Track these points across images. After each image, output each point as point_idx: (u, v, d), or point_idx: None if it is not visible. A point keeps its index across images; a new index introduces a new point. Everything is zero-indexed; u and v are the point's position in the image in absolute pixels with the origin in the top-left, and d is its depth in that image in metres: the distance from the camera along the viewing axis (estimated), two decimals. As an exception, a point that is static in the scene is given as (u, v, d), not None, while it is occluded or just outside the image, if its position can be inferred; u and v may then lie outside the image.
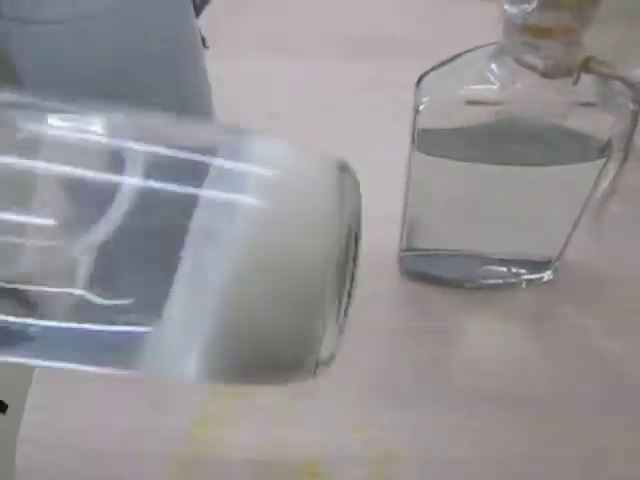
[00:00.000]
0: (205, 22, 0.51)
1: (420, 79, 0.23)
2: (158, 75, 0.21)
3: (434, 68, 0.23)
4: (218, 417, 0.27)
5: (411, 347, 0.28)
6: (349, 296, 0.17)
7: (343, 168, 0.16)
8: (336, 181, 0.16)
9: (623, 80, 0.21)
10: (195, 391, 0.27)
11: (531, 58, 0.20)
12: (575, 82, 0.20)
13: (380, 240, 0.29)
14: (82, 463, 0.26)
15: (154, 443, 0.26)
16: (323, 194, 0.15)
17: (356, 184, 0.17)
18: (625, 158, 0.26)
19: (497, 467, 0.25)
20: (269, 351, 0.15)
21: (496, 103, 0.21)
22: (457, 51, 0.23)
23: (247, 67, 0.41)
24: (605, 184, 0.27)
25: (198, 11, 0.50)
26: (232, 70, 0.36)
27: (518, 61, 0.20)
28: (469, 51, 0.22)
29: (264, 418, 0.26)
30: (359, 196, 0.17)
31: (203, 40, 0.25)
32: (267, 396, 0.27)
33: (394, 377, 0.27)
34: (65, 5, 0.19)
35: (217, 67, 0.35)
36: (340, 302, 0.16)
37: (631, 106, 0.22)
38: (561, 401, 0.26)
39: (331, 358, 0.16)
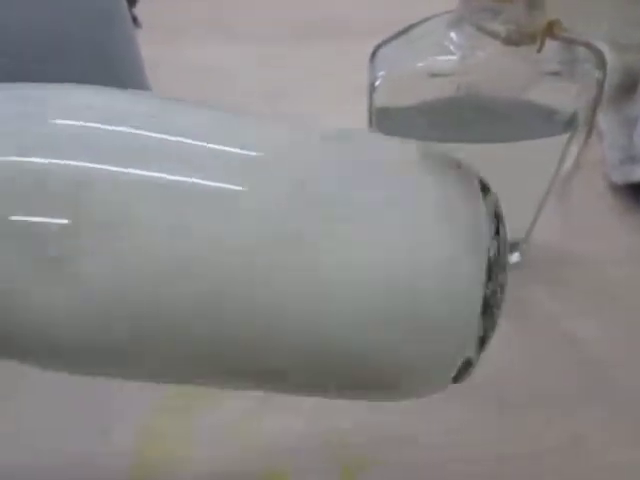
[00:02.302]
0: (146, 3, 0.48)
1: (374, 52, 0.21)
2: (84, 51, 0.19)
3: (389, 40, 0.21)
4: (169, 432, 0.25)
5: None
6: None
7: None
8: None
9: (588, 46, 0.20)
10: (141, 408, 0.25)
11: (492, 24, 0.18)
12: (540, 49, 0.19)
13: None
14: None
15: (101, 464, 0.24)
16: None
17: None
18: (590, 131, 0.25)
19: (474, 463, 0.23)
20: None
21: (457, 74, 0.20)
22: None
23: (188, 52, 0.39)
24: (570, 160, 0.26)
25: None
26: (171, 55, 0.34)
27: (479, 28, 0.19)
28: (425, 20, 0.21)
29: (220, 429, 0.24)
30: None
31: (135, 19, 0.23)
32: (229, 403, 0.25)
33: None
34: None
35: (155, 51, 0.32)
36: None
37: (596, 74, 0.21)
38: (535, 388, 0.25)
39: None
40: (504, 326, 0.27)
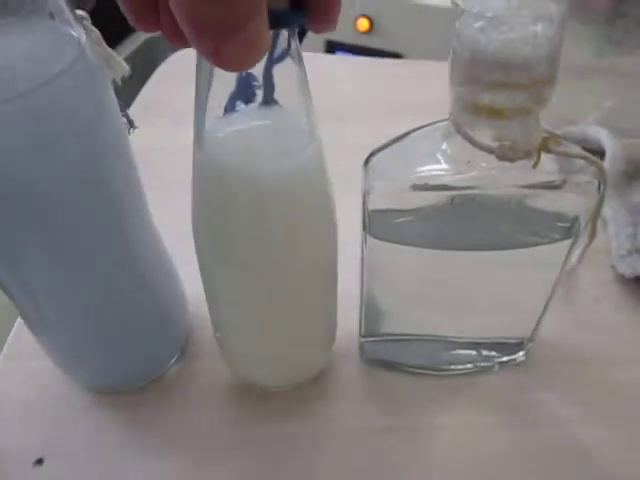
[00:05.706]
0: (153, 90, 0.49)
1: (368, 159, 0.21)
2: (74, 173, 0.19)
3: (382, 147, 0.21)
4: None
5: (375, 450, 0.25)
6: None
7: None
8: None
9: (585, 158, 0.19)
10: None
11: (486, 139, 0.18)
12: (535, 165, 0.18)
13: (339, 325, 0.26)
14: None
15: None
16: None
17: None
18: (593, 234, 0.24)
19: None
20: None
21: (450, 188, 0.19)
22: (404, 117, 0.21)
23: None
24: (574, 260, 0.25)
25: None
26: (177, 140, 0.34)
27: (472, 143, 0.18)
28: (418, 129, 0.20)
29: None
30: None
31: (131, 122, 0.23)
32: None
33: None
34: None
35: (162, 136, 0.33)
36: None
37: (595, 183, 0.20)
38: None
39: None
40: (510, 434, 0.26)
